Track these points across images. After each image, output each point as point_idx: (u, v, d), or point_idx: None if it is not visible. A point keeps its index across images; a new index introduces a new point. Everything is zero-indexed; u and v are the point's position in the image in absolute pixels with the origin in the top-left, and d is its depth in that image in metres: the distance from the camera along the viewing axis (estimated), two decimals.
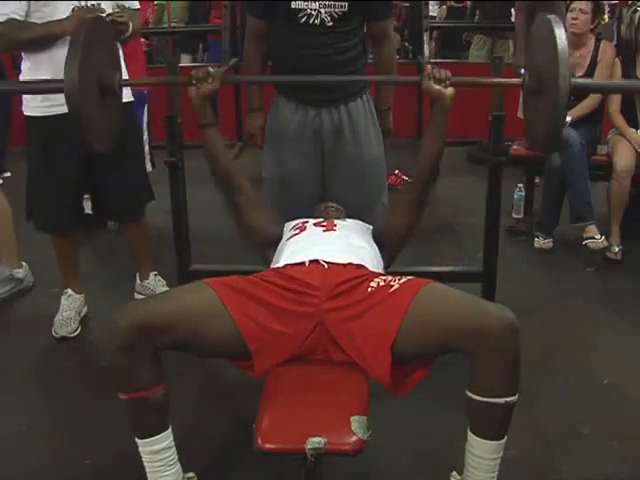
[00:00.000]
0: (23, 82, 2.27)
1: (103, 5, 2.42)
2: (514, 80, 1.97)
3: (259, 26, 2.33)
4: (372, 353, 1.54)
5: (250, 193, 2.01)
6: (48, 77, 2.38)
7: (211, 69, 1.93)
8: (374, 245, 1.92)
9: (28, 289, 3.02)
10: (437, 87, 1.86)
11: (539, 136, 1.68)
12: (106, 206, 2.74)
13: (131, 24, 2.47)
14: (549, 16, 1.68)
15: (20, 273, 2.98)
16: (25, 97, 2.47)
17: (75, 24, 2.29)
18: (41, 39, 2.35)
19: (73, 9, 2.35)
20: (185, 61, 6.96)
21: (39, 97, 2.43)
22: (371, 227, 2.05)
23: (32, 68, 2.44)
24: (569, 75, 1.52)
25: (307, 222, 1.97)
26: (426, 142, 1.97)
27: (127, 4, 2.51)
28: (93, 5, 2.40)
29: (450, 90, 1.87)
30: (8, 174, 3.02)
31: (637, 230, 3.38)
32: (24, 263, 3.02)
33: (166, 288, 2.81)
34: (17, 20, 2.33)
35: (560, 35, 1.56)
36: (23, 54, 2.46)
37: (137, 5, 2.65)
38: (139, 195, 2.73)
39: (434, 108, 1.92)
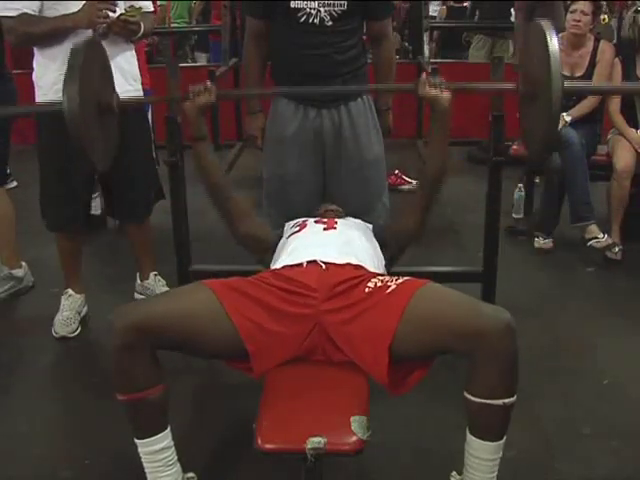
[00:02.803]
0: (22, 106, 2.25)
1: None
2: (508, 85, 1.96)
3: (258, 26, 2.33)
4: (370, 354, 1.54)
5: (243, 203, 2.00)
6: (60, 71, 2.37)
7: (209, 83, 1.90)
8: (375, 244, 1.92)
9: (28, 289, 3.02)
10: (433, 92, 1.83)
11: (536, 139, 1.70)
12: (117, 204, 2.73)
13: (143, 25, 2.47)
14: (541, 21, 1.68)
15: (19, 272, 2.98)
16: (37, 94, 2.47)
17: (88, 16, 2.30)
18: (54, 32, 2.34)
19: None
20: (201, 60, 7.00)
21: (51, 94, 2.42)
22: (371, 225, 2.05)
23: (44, 63, 2.43)
24: (562, 78, 1.54)
25: (307, 220, 1.98)
26: (430, 149, 1.94)
27: (140, 4, 2.50)
28: None
29: (446, 94, 1.83)
30: (15, 184, 3.02)
31: (637, 230, 3.38)
32: (24, 263, 3.02)
33: (166, 288, 2.81)
34: (29, 15, 2.33)
35: (552, 38, 1.58)
36: (35, 49, 2.45)
37: (151, 8, 2.65)
38: (150, 194, 2.73)
39: (433, 115, 1.88)
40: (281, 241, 1.93)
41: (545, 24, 1.67)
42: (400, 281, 1.61)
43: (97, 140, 1.77)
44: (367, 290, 1.60)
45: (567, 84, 1.58)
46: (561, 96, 1.54)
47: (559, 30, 3.57)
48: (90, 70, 1.74)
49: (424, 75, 1.84)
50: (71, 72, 1.68)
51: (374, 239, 1.94)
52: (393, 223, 2.02)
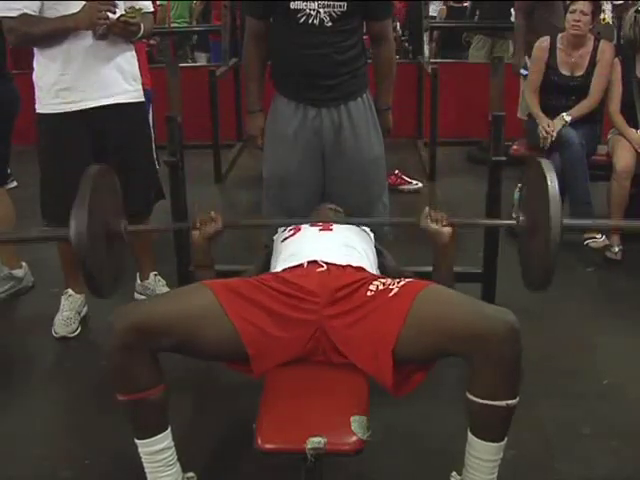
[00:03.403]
0: (29, 232, 2.22)
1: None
2: (508, 222, 2.00)
3: (258, 27, 2.33)
4: (373, 358, 1.54)
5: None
6: (61, 72, 2.39)
7: (213, 213, 1.86)
8: (372, 245, 1.91)
9: (28, 289, 3.02)
10: (435, 226, 1.80)
11: (533, 271, 1.75)
12: None
13: (143, 26, 2.47)
14: (542, 160, 1.71)
15: (19, 272, 2.98)
16: (37, 95, 2.47)
17: (89, 17, 2.30)
18: (55, 33, 2.34)
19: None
20: (201, 60, 7.01)
21: (51, 94, 2.42)
22: (367, 229, 2.04)
23: (44, 63, 2.42)
24: (561, 219, 1.59)
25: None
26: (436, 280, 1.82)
27: (140, 4, 2.51)
28: None
29: (448, 229, 1.80)
30: (15, 184, 3.02)
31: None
32: (24, 263, 3.02)
33: (166, 288, 2.81)
34: (30, 15, 2.33)
35: (552, 180, 1.62)
36: (35, 50, 2.45)
37: (151, 8, 2.65)
38: (150, 194, 2.74)
39: (435, 249, 1.84)
40: (275, 244, 1.93)
41: (545, 163, 1.69)
42: (402, 283, 1.61)
43: (104, 267, 1.74)
44: (369, 294, 1.60)
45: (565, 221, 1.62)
46: (559, 240, 1.59)
47: (559, 30, 3.59)
48: (99, 198, 1.70)
49: (427, 209, 1.83)
50: (80, 202, 1.64)
51: (371, 243, 1.94)
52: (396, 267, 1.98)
